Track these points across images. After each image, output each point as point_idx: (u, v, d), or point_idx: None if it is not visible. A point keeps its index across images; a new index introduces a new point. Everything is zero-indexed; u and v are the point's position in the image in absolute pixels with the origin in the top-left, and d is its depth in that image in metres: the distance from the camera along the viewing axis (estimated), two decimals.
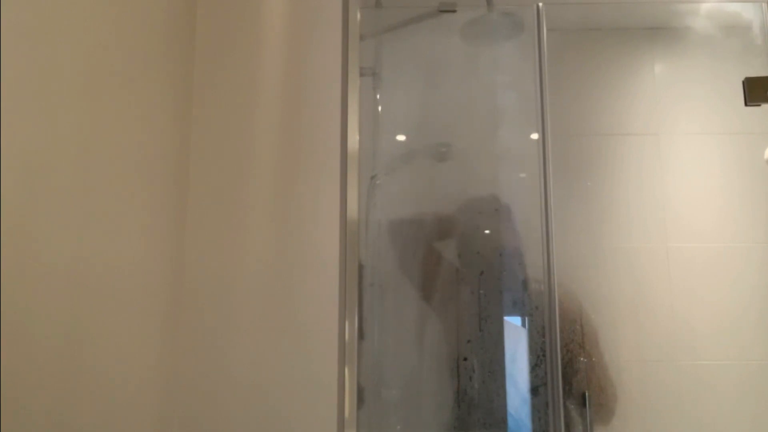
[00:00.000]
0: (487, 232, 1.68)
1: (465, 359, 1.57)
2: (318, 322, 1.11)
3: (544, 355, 1.51)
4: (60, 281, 0.76)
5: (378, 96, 1.67)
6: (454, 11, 1.59)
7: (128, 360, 0.93)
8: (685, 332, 1.62)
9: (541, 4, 1.62)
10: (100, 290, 0.85)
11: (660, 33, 1.82)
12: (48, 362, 0.73)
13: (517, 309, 1.60)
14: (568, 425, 1.46)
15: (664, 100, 1.77)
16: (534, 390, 1.51)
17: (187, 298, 1.12)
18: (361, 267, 1.29)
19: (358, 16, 1.29)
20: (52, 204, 0.74)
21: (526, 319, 1.59)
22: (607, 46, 1.82)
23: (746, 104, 1.16)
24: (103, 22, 0.86)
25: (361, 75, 1.28)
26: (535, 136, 1.60)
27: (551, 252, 1.52)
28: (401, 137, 1.76)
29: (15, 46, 0.67)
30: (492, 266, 1.65)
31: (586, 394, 1.51)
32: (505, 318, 1.60)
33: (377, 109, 1.67)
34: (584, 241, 1.63)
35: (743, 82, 1.16)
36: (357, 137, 1.23)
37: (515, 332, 1.59)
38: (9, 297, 0.65)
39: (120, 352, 0.90)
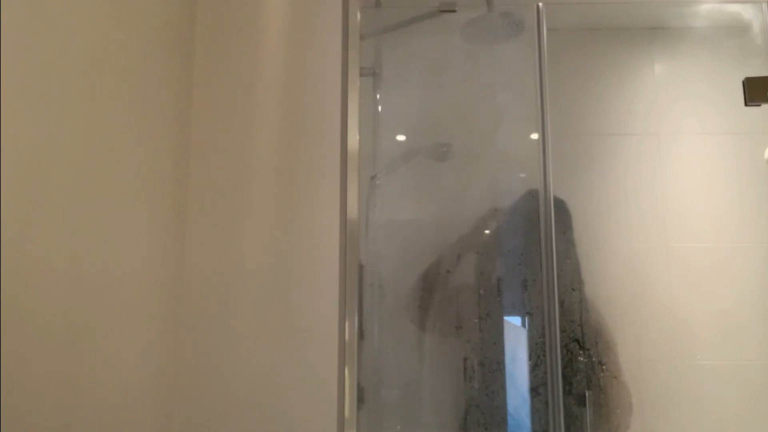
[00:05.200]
0: (487, 232, 1.68)
1: (465, 359, 1.57)
2: (318, 322, 1.11)
3: (544, 355, 1.50)
4: (60, 282, 0.76)
5: (378, 96, 1.67)
6: (454, 11, 1.59)
7: (128, 360, 0.93)
8: (685, 332, 1.62)
9: (541, 4, 1.62)
10: (100, 290, 0.85)
11: (660, 33, 1.82)
12: (48, 363, 0.73)
13: (517, 309, 1.60)
14: (568, 425, 1.46)
15: (664, 100, 1.76)
16: (534, 390, 1.51)
17: (187, 297, 1.12)
18: (361, 267, 1.29)
19: (358, 16, 1.29)
20: (51, 204, 0.74)
21: (526, 319, 1.59)
22: (607, 46, 1.82)
23: (746, 104, 1.16)
24: (103, 22, 0.86)
25: (361, 75, 1.28)
26: (535, 136, 1.60)
27: (551, 252, 1.52)
28: (401, 137, 1.76)
29: (15, 46, 0.67)
30: (492, 266, 1.65)
31: (586, 394, 1.51)
32: (505, 318, 1.60)
33: (377, 109, 1.67)
34: (584, 241, 1.63)
35: (743, 82, 1.17)
36: (357, 137, 1.23)
37: (515, 332, 1.59)
38: (9, 297, 0.65)
39: (120, 353, 0.90)
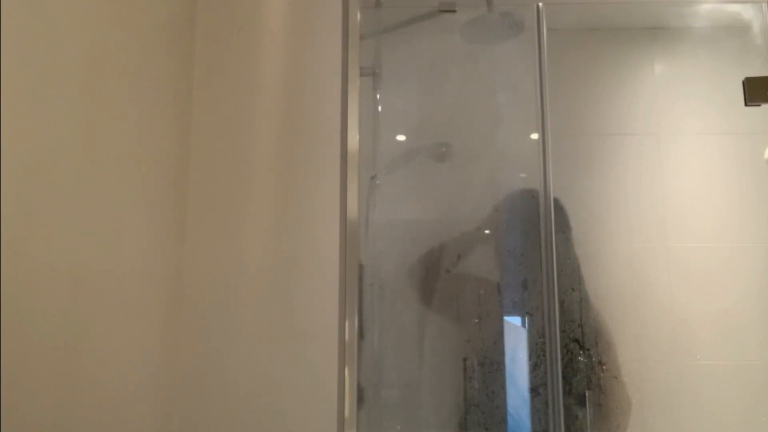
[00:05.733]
0: (487, 232, 1.68)
1: (465, 359, 1.57)
2: (318, 322, 1.11)
3: (544, 355, 1.51)
4: (60, 282, 0.76)
5: (378, 96, 1.67)
6: (454, 11, 1.59)
7: (128, 362, 0.93)
8: (685, 332, 1.62)
9: (541, 4, 1.62)
10: (100, 291, 0.85)
11: (660, 33, 1.82)
12: (48, 364, 0.73)
13: (517, 309, 1.60)
14: (568, 425, 1.46)
15: (664, 100, 1.76)
16: (534, 390, 1.51)
17: (187, 297, 1.12)
18: (361, 267, 1.29)
19: (358, 16, 1.29)
20: (51, 204, 0.74)
21: (526, 319, 1.59)
22: (607, 46, 1.82)
23: (746, 104, 1.16)
24: (103, 22, 0.86)
25: (361, 75, 1.28)
26: (535, 136, 1.60)
27: (551, 252, 1.52)
28: (401, 137, 1.76)
29: (15, 45, 0.67)
30: (492, 266, 1.65)
31: (586, 394, 1.51)
32: (505, 318, 1.60)
33: (377, 109, 1.67)
34: (584, 241, 1.63)
35: (743, 82, 1.17)
36: (357, 137, 1.23)
37: (515, 332, 1.59)
38: (9, 297, 0.65)
39: (120, 354, 0.90)
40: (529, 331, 1.56)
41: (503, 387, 1.54)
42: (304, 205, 1.15)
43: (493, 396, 1.54)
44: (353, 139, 1.22)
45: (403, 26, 1.69)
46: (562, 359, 1.49)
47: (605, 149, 1.76)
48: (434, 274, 1.64)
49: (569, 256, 1.57)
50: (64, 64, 0.77)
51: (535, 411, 1.51)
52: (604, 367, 1.54)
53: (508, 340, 1.58)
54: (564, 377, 1.48)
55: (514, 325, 1.60)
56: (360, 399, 1.19)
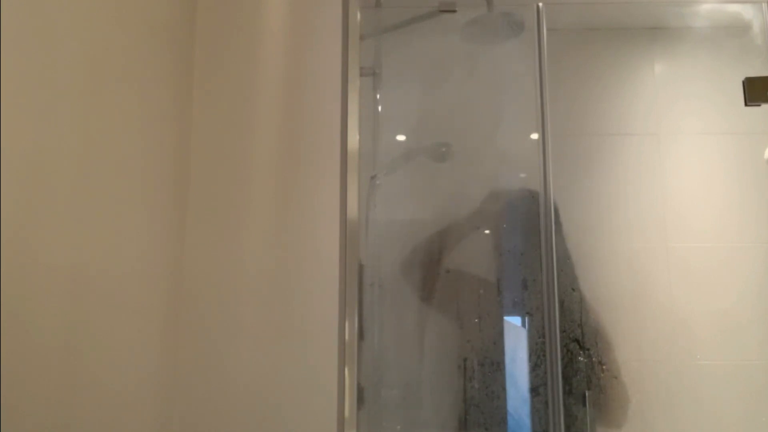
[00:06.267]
0: (486, 232, 1.68)
1: (465, 359, 1.57)
2: (318, 322, 1.11)
3: (544, 355, 1.51)
4: (60, 282, 0.76)
5: (378, 96, 1.67)
6: (454, 11, 1.59)
7: (128, 361, 0.93)
8: (685, 332, 1.62)
9: (541, 4, 1.62)
10: (100, 291, 0.85)
11: (660, 33, 1.82)
12: (48, 364, 0.73)
13: (517, 309, 1.60)
14: (568, 425, 1.46)
15: (664, 100, 1.76)
16: (534, 390, 1.51)
17: (187, 297, 1.12)
18: (361, 267, 1.29)
19: (358, 16, 1.29)
20: (51, 205, 0.74)
21: (526, 319, 1.59)
22: (607, 46, 1.82)
23: (746, 104, 1.16)
24: (103, 22, 0.86)
25: (361, 75, 1.28)
26: (535, 136, 1.60)
27: (552, 252, 1.52)
28: (401, 137, 1.76)
29: (15, 45, 0.67)
30: (492, 266, 1.65)
31: (586, 393, 1.51)
32: (505, 318, 1.60)
33: (377, 109, 1.67)
34: (584, 241, 1.63)
35: (743, 82, 1.17)
36: (357, 137, 1.23)
37: (515, 332, 1.59)
38: (9, 297, 0.65)
39: (120, 354, 0.90)
40: (529, 331, 1.56)
41: (503, 387, 1.54)
42: (304, 205, 1.15)
43: (493, 396, 1.54)
44: (353, 139, 1.22)
45: (403, 26, 1.69)
46: (562, 359, 1.49)
47: (605, 149, 1.76)
48: (433, 269, 1.64)
49: (562, 252, 1.57)
50: (64, 64, 0.77)
51: (535, 411, 1.51)
52: (604, 367, 1.54)
53: (508, 340, 1.58)
54: (564, 377, 1.48)
55: (514, 325, 1.60)
56: (360, 399, 1.19)
